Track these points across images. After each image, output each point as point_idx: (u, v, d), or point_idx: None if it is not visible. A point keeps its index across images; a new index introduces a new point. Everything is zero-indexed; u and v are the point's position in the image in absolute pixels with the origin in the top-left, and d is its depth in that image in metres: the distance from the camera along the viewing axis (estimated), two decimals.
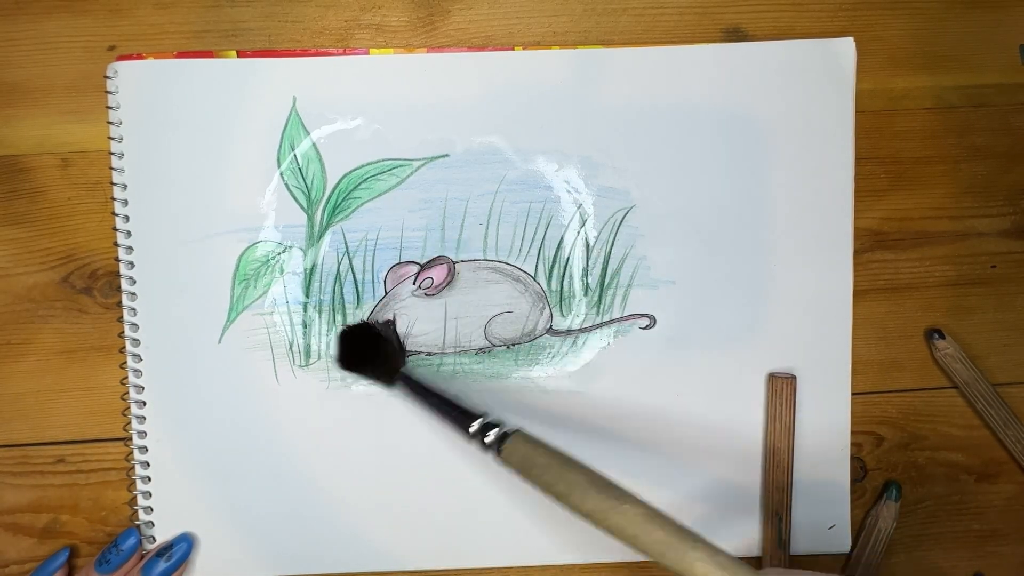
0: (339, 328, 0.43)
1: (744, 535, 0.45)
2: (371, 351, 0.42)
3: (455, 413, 0.38)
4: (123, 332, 0.43)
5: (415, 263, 0.43)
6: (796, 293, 0.44)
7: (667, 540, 0.31)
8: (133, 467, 0.43)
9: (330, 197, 0.43)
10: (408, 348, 0.43)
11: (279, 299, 0.43)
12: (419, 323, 0.43)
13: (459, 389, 0.41)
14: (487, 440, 0.36)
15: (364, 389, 0.43)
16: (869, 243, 0.45)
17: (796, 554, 0.45)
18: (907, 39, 0.44)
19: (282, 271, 0.43)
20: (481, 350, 0.44)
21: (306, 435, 0.43)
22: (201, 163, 0.42)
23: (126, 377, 0.43)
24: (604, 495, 0.32)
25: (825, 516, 0.45)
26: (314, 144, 0.42)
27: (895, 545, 0.46)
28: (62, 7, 0.42)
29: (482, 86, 0.43)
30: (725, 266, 0.44)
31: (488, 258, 0.43)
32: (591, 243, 0.43)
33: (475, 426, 0.37)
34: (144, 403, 0.43)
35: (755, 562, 0.45)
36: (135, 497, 0.43)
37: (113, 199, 0.42)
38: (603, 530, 0.32)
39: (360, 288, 0.43)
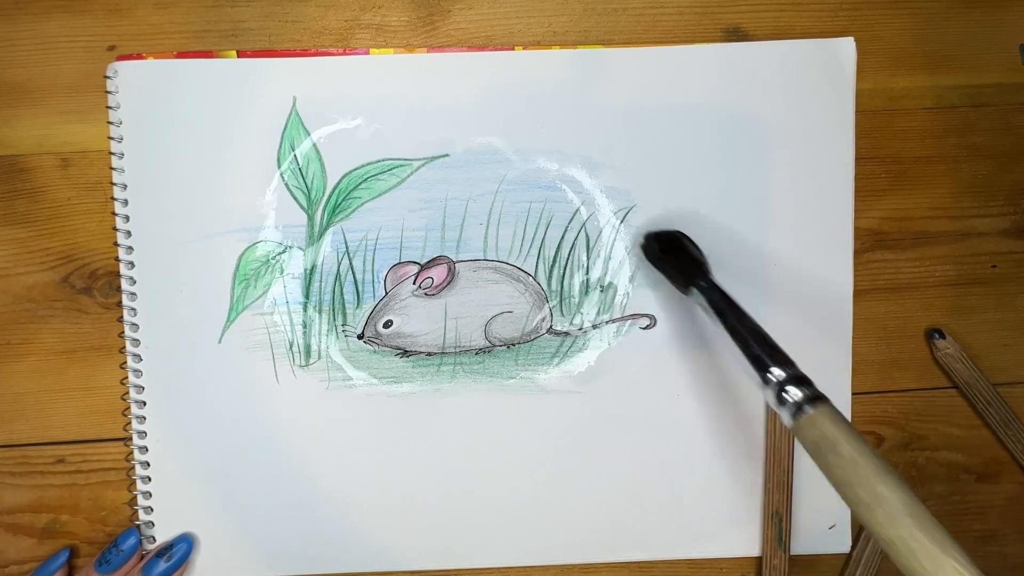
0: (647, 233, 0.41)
1: (744, 535, 0.45)
2: (682, 252, 0.39)
3: (759, 349, 0.32)
4: (123, 332, 0.43)
5: (415, 263, 0.43)
6: (796, 293, 0.44)
7: None
8: (133, 467, 0.43)
9: (330, 197, 0.43)
10: (408, 349, 0.43)
11: (279, 299, 0.43)
12: (419, 323, 0.43)
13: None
14: (787, 398, 0.30)
15: (364, 389, 0.43)
16: (869, 243, 0.45)
17: (796, 554, 0.45)
18: (907, 39, 0.44)
19: (282, 271, 0.43)
20: (481, 350, 0.44)
21: (306, 435, 0.43)
22: (201, 163, 0.42)
23: (126, 377, 0.43)
24: (924, 533, 0.25)
25: (825, 516, 0.45)
26: (314, 144, 0.42)
27: None
28: (62, 7, 0.42)
29: (482, 86, 0.43)
30: (725, 266, 0.44)
31: (488, 258, 0.43)
32: (591, 243, 0.43)
33: (777, 375, 0.31)
34: (144, 403, 0.43)
35: (755, 562, 0.45)
36: (135, 497, 0.43)
37: (113, 199, 0.42)
38: (899, 565, 0.25)
39: (360, 288, 0.43)
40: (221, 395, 0.43)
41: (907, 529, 0.24)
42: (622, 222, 0.43)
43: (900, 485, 0.26)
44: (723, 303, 0.34)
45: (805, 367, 0.43)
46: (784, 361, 0.31)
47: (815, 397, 0.29)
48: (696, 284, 0.37)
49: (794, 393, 0.30)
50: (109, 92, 0.42)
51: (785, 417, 0.30)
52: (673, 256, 0.39)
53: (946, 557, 0.23)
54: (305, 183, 0.42)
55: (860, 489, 0.27)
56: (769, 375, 0.31)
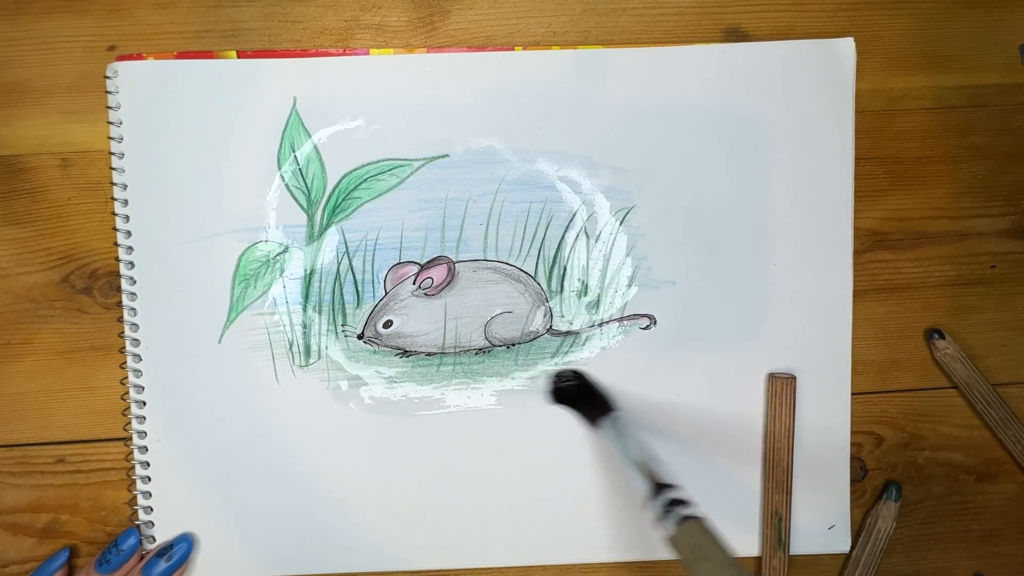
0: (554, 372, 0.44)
1: (744, 535, 0.45)
2: (586, 394, 0.43)
3: (649, 476, 0.36)
4: (123, 332, 0.43)
5: (415, 263, 0.43)
6: (796, 293, 0.44)
7: None
8: (133, 467, 0.43)
9: (330, 197, 0.43)
10: (408, 349, 0.43)
11: (279, 299, 0.43)
12: (419, 323, 0.43)
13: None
14: (667, 513, 0.34)
15: (364, 390, 0.43)
16: (869, 243, 0.45)
17: (795, 554, 0.45)
18: (907, 39, 0.44)
19: (282, 271, 0.43)
20: (481, 350, 0.44)
21: (306, 435, 0.43)
22: (201, 163, 0.42)
23: (126, 377, 0.43)
24: None
25: (825, 516, 0.45)
26: (314, 144, 0.42)
27: (895, 545, 0.46)
28: (62, 7, 0.42)
29: (482, 86, 0.43)
30: (725, 266, 0.44)
31: (488, 258, 0.43)
32: (591, 243, 0.43)
33: (665, 494, 0.35)
34: (144, 403, 0.43)
35: (755, 562, 0.45)
36: (135, 497, 0.43)
37: (113, 199, 0.42)
38: None
39: (360, 288, 0.43)
40: (221, 395, 0.43)
41: None
42: (622, 222, 0.43)
43: None
44: (624, 437, 0.39)
45: (805, 367, 0.44)
46: (669, 486, 0.36)
47: (690, 516, 0.34)
48: (605, 418, 0.40)
49: (674, 510, 0.34)
50: (109, 92, 0.42)
51: (668, 528, 0.34)
52: (584, 395, 0.43)
53: None
54: (305, 183, 0.42)
55: None
56: (657, 497, 0.35)
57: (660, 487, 0.35)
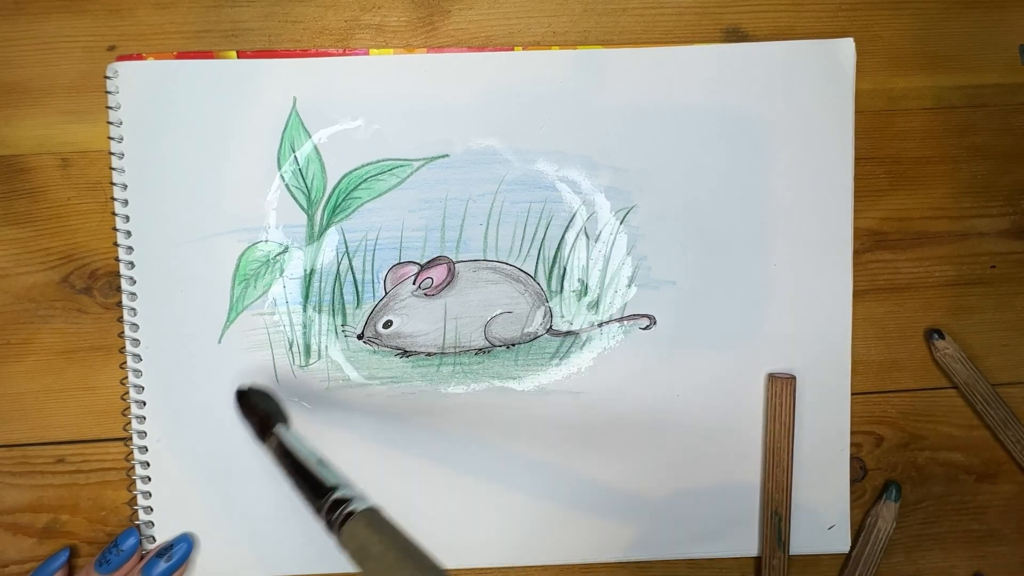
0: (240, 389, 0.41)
1: (744, 535, 0.45)
2: (253, 408, 0.40)
3: (308, 484, 0.32)
4: (123, 332, 0.43)
5: (415, 263, 0.43)
6: (796, 293, 0.44)
7: None
8: (133, 467, 0.43)
9: (330, 197, 0.43)
10: (408, 349, 0.43)
11: (279, 299, 0.43)
12: (419, 323, 0.43)
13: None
14: (331, 518, 0.31)
15: (364, 390, 0.43)
16: (869, 243, 0.45)
17: (795, 554, 0.45)
18: (907, 39, 0.44)
19: (282, 271, 0.43)
20: (481, 350, 0.44)
21: (305, 435, 0.43)
22: (201, 163, 0.42)
23: (126, 377, 0.43)
24: None
25: (825, 516, 0.45)
26: (314, 144, 0.42)
27: (895, 545, 0.46)
28: (62, 7, 0.42)
29: (482, 86, 0.43)
30: (725, 266, 0.44)
31: (488, 258, 0.43)
32: (591, 243, 0.43)
33: (327, 502, 0.31)
34: (144, 403, 0.43)
35: (754, 562, 0.45)
36: (135, 497, 0.43)
37: (113, 199, 0.42)
38: None
39: (360, 288, 0.43)
40: (221, 395, 0.43)
41: None
42: (622, 222, 0.43)
43: (422, 571, 0.28)
44: (285, 452, 0.35)
45: (805, 367, 0.44)
46: (329, 489, 0.31)
47: (355, 511, 0.30)
48: (269, 435, 0.37)
49: (339, 511, 0.30)
50: (109, 92, 0.42)
51: (335, 538, 0.30)
52: (249, 409, 0.40)
53: None
54: (305, 183, 0.42)
55: None
56: (321, 504, 0.31)
57: (324, 491, 0.31)
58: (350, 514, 0.29)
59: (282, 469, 0.35)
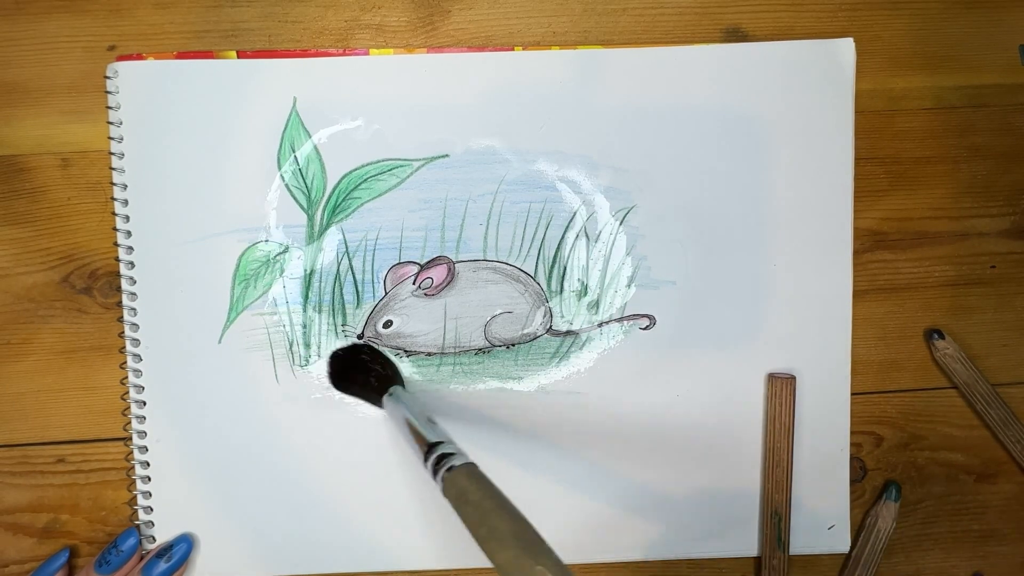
0: (332, 351, 0.43)
1: (744, 535, 0.45)
2: (361, 373, 0.42)
3: (417, 435, 0.37)
4: (123, 332, 0.43)
5: (415, 263, 0.43)
6: (796, 293, 0.44)
7: None
8: (133, 467, 0.43)
9: (330, 197, 0.43)
10: (408, 349, 0.43)
11: (279, 299, 0.43)
12: (419, 323, 0.43)
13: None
14: (436, 468, 0.35)
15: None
16: (869, 243, 0.45)
17: (795, 554, 0.45)
18: (907, 39, 0.44)
19: (282, 271, 0.43)
20: (481, 350, 0.44)
21: (306, 435, 0.43)
22: (201, 163, 0.42)
23: (126, 377, 0.43)
24: (521, 550, 0.29)
25: (825, 516, 0.45)
26: (314, 144, 0.42)
27: (895, 545, 0.46)
28: (62, 7, 0.42)
29: (482, 86, 0.43)
30: (725, 266, 0.44)
31: (488, 258, 0.43)
32: (591, 243, 0.43)
33: (431, 452, 0.35)
34: (144, 403, 0.43)
35: (754, 562, 0.45)
36: (135, 497, 0.43)
37: (113, 199, 0.42)
38: None
39: (360, 288, 0.43)
40: (221, 395, 0.43)
41: (512, 551, 0.29)
42: (622, 222, 0.43)
43: (519, 520, 0.31)
44: (400, 409, 0.39)
45: (805, 367, 0.44)
46: (435, 444, 0.36)
47: (456, 465, 0.34)
48: (386, 394, 0.41)
49: (442, 462, 0.34)
50: (109, 92, 0.42)
51: (438, 483, 0.34)
52: (362, 375, 0.42)
53: (537, 566, 0.28)
54: (305, 183, 0.42)
55: (482, 528, 0.31)
56: (428, 455, 0.35)
57: (431, 447, 0.35)
58: (451, 467, 0.34)
59: (396, 422, 0.39)
